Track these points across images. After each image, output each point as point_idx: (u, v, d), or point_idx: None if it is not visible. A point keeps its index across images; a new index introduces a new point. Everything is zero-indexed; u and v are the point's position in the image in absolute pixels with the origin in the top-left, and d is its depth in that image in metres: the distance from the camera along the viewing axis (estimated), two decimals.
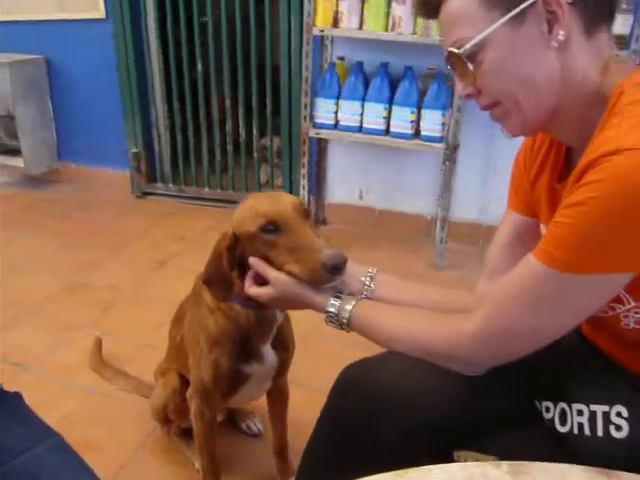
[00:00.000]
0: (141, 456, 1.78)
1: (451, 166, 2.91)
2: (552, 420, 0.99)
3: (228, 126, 3.52)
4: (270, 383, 1.52)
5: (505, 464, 0.77)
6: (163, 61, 3.52)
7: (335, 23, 2.85)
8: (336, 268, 1.04)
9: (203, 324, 1.34)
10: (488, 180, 3.18)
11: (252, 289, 1.13)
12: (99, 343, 2.11)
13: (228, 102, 3.47)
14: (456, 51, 0.90)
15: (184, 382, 1.57)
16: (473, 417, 1.01)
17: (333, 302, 1.07)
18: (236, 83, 3.42)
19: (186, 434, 1.75)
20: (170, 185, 3.77)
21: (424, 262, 3.07)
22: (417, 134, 2.92)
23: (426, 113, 2.85)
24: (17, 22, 3.64)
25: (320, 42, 3.12)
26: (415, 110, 2.86)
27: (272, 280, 1.10)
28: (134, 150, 3.68)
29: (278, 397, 1.62)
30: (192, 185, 3.73)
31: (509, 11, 0.85)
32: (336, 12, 2.83)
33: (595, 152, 0.79)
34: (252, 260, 1.12)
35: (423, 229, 3.34)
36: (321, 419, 1.15)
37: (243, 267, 1.16)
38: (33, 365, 2.14)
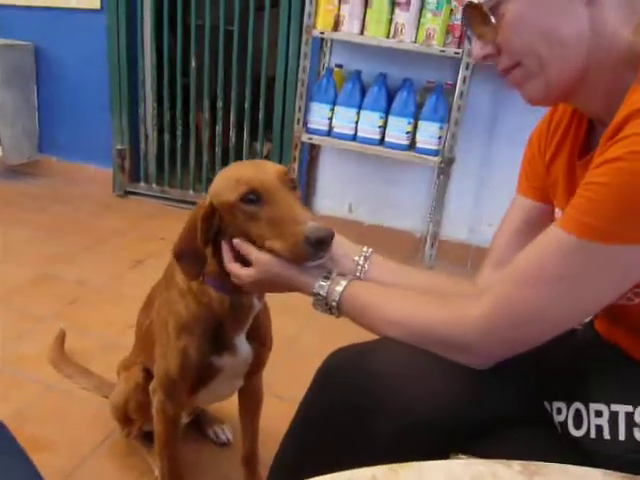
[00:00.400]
0: (96, 459, 1.63)
1: (445, 180, 2.83)
2: (564, 423, 0.87)
3: (218, 128, 3.42)
4: (242, 381, 1.37)
5: (517, 464, 0.65)
6: (156, 57, 3.43)
7: (336, 27, 2.78)
8: (321, 242, 0.93)
9: (173, 308, 1.20)
10: (481, 200, 3.10)
11: (233, 266, 1.02)
12: (62, 336, 1.96)
13: (220, 104, 3.37)
14: (477, 1, 0.81)
15: (149, 377, 1.42)
16: (475, 418, 0.88)
17: (322, 283, 0.95)
18: (229, 85, 3.32)
19: (148, 438, 1.60)
20: (153, 185, 3.65)
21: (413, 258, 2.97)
22: (412, 146, 2.84)
23: (423, 125, 2.78)
24: (8, 6, 3.54)
25: (319, 48, 3.05)
26: (412, 121, 2.79)
27: (254, 260, 0.99)
28: (119, 147, 3.56)
29: (251, 398, 1.47)
30: (176, 187, 3.62)
31: None
32: (337, 15, 2.76)
33: (633, 105, 0.69)
34: (236, 241, 1.01)
35: (411, 246, 3.24)
36: (300, 411, 1.01)
37: (218, 244, 1.06)
38: None
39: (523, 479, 0.63)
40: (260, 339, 1.27)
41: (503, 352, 0.84)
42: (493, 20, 0.81)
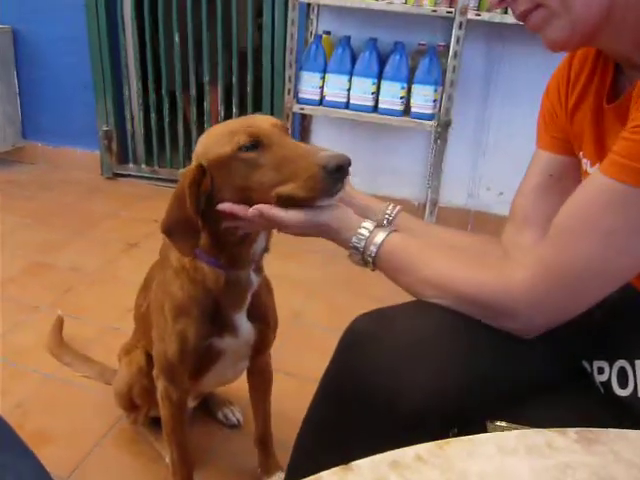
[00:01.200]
0: (103, 448, 1.58)
1: (442, 145, 2.76)
2: (608, 382, 0.82)
3: (206, 105, 3.33)
4: (247, 362, 1.32)
5: (572, 431, 0.60)
6: (138, 34, 3.31)
7: None
8: (339, 168, 0.86)
9: (168, 289, 1.13)
10: (478, 164, 3.04)
11: (274, 210, 0.91)
12: (60, 323, 1.91)
13: (207, 78, 3.27)
14: None
15: (151, 361, 1.37)
16: (504, 380, 0.83)
17: (361, 232, 0.90)
18: (215, 59, 3.22)
19: (155, 424, 1.55)
20: (143, 166, 3.56)
21: None
22: (407, 111, 2.77)
23: (417, 88, 2.71)
24: None
25: (305, 15, 2.95)
26: (405, 85, 2.72)
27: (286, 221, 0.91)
28: (105, 128, 3.46)
29: (260, 379, 1.42)
30: (166, 167, 3.52)
31: None
32: None
33: None
34: (252, 210, 0.91)
35: (410, 214, 3.17)
36: (324, 382, 0.94)
37: (208, 214, 0.97)
38: None
39: (580, 448, 0.58)
40: (262, 318, 1.21)
41: (554, 317, 0.79)
42: None
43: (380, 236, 0.90)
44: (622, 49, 0.82)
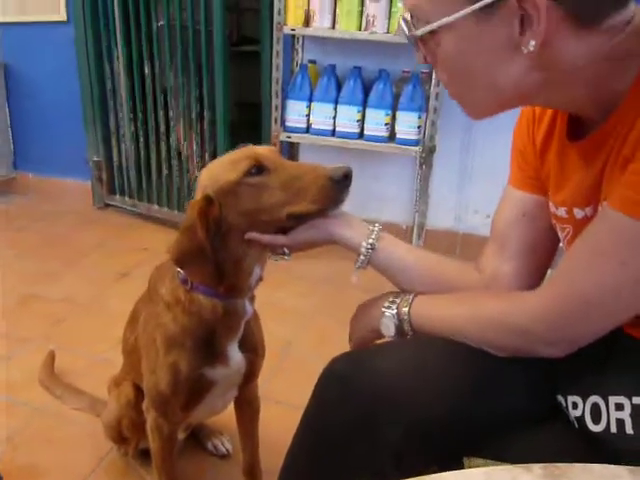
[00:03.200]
0: None
1: (427, 170, 2.80)
2: (581, 417, 0.83)
3: (197, 138, 3.30)
4: (235, 392, 1.34)
5: (537, 467, 0.62)
6: (127, 66, 3.33)
7: (307, 22, 2.73)
8: (346, 176, 0.96)
9: (159, 322, 1.16)
10: (464, 187, 3.08)
11: None
12: (52, 357, 1.92)
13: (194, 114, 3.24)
14: (406, 30, 0.79)
15: (140, 393, 1.38)
16: (485, 416, 0.86)
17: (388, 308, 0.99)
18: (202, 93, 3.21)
19: (145, 455, 1.56)
20: (126, 199, 3.52)
21: None
22: (392, 137, 2.81)
23: (401, 115, 2.75)
24: None
25: (290, 45, 3.01)
26: (390, 112, 2.76)
27: None
28: (95, 159, 3.49)
29: (248, 408, 1.43)
30: (153, 202, 3.42)
31: (476, 1, 0.72)
32: (307, 10, 2.72)
33: None
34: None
35: (398, 238, 3.19)
36: (304, 423, 0.98)
37: (214, 243, 1.01)
38: None
39: None
40: (252, 348, 1.23)
41: (570, 341, 0.83)
42: (423, 51, 0.80)
43: (406, 304, 0.98)
44: (570, 107, 0.85)
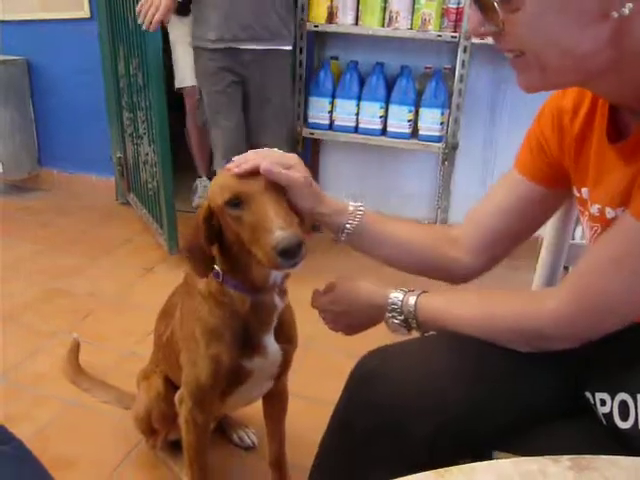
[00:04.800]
0: (123, 473, 1.61)
1: (450, 166, 2.80)
2: (609, 414, 0.84)
3: None
4: (272, 382, 1.36)
5: (566, 458, 0.63)
6: None
7: (330, 19, 2.74)
8: (286, 252, 0.90)
9: (198, 315, 1.18)
10: (486, 183, 3.07)
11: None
12: (76, 347, 1.93)
13: None
14: None
15: (170, 385, 1.41)
16: (512, 412, 0.86)
17: (393, 302, 1.01)
18: None
19: (174, 447, 1.59)
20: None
21: None
22: (415, 134, 2.81)
23: (424, 112, 2.76)
24: None
25: (313, 41, 3.01)
26: (412, 109, 2.77)
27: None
28: (119, 155, 3.53)
29: (277, 401, 1.45)
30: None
31: None
32: (330, 7, 2.73)
33: None
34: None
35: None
36: (334, 420, 0.98)
37: (225, 242, 1.06)
38: (5, 375, 1.98)
39: (573, 474, 0.61)
40: (288, 338, 1.25)
41: (582, 337, 0.86)
42: (501, 14, 0.74)
43: (412, 299, 0.99)
44: (620, 98, 0.84)
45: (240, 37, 2.42)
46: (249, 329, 1.17)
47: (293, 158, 1.03)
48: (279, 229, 0.91)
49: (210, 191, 1.05)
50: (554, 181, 1.00)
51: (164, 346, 1.41)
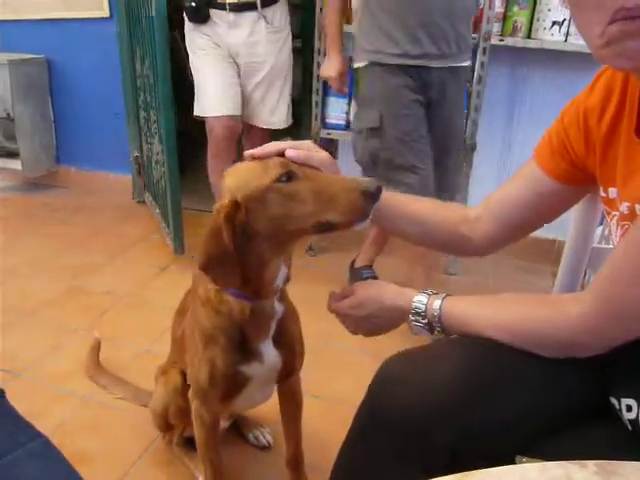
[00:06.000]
0: (140, 469, 1.62)
1: (467, 168, 2.78)
2: (635, 420, 0.83)
3: None
4: (274, 386, 1.36)
5: (592, 464, 0.63)
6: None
7: (349, 20, 2.73)
8: (379, 191, 0.94)
9: (197, 319, 1.19)
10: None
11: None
12: (97, 345, 1.96)
13: None
14: None
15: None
16: (538, 416, 0.86)
17: (417, 305, 1.00)
18: None
19: (190, 444, 1.60)
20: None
21: (436, 267, 2.93)
22: None
23: None
24: (17, 21, 3.54)
25: None
26: None
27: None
28: (136, 154, 3.55)
29: (290, 403, 1.44)
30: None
31: None
32: (350, 8, 2.72)
33: None
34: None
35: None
36: (356, 424, 0.98)
37: (239, 247, 0.99)
38: (25, 371, 2.00)
39: None
40: (288, 345, 1.24)
41: (608, 344, 0.85)
42: None
43: (437, 302, 0.98)
44: None
45: (431, 53, 2.08)
46: (245, 335, 1.16)
47: (307, 143, 1.04)
48: (354, 179, 0.95)
49: (236, 182, 0.98)
50: (575, 179, 1.00)
51: (179, 343, 1.42)
